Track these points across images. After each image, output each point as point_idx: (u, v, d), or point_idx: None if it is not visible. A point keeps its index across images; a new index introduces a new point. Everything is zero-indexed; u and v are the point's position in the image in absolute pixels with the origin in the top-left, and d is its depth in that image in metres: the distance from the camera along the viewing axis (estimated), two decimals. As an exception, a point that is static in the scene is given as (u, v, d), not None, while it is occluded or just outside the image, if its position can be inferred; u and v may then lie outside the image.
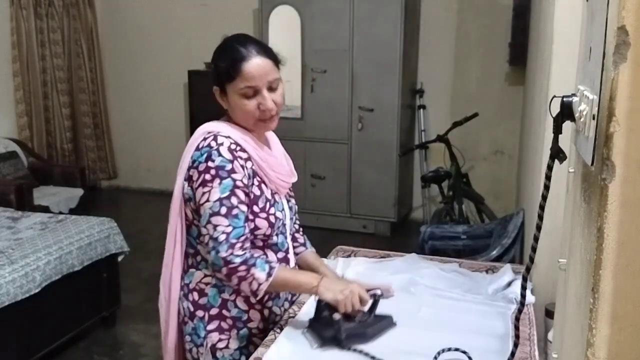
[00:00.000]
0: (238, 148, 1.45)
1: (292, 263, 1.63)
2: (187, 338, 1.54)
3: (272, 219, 1.50)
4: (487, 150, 5.11)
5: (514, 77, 4.84)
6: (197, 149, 1.45)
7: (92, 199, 5.34)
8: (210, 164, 1.41)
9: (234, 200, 1.41)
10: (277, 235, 1.55)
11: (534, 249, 1.05)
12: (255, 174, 1.48)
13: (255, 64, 1.45)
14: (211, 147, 1.42)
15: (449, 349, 1.35)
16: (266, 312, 1.55)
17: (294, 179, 1.63)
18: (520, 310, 1.11)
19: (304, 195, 5.09)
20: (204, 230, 1.42)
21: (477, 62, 5.02)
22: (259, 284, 1.40)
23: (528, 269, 1.07)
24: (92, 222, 3.26)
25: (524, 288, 1.09)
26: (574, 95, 0.94)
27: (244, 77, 1.44)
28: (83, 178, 5.00)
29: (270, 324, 1.56)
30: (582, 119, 0.86)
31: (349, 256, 2.06)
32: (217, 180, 1.40)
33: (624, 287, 0.72)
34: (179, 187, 1.49)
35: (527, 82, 4.28)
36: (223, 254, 1.39)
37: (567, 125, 0.98)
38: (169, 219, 1.53)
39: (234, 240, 1.39)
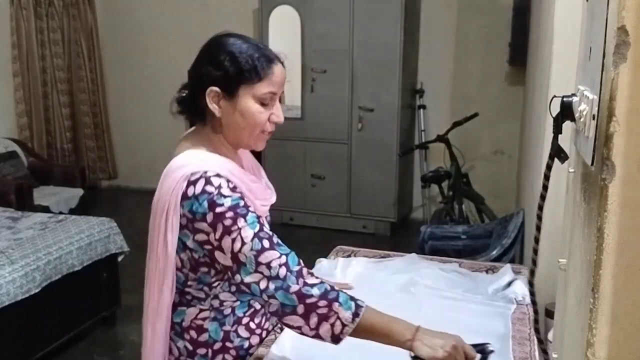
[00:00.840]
0: (233, 185, 1.27)
1: None
2: None
3: None
4: (487, 150, 5.11)
5: (514, 77, 4.84)
6: (187, 197, 1.23)
7: (92, 199, 5.34)
8: (219, 209, 1.21)
9: (267, 230, 1.25)
10: None
11: (535, 251, 1.05)
12: None
13: (282, 69, 1.30)
14: (210, 194, 1.22)
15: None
16: (264, 334, 1.48)
17: (274, 198, 1.45)
18: (536, 320, 1.09)
19: (304, 195, 5.09)
20: (255, 277, 1.20)
21: (477, 62, 5.02)
22: (344, 326, 1.17)
23: (532, 273, 1.06)
24: (92, 222, 3.26)
25: (532, 294, 1.08)
26: (574, 95, 0.94)
27: (272, 80, 1.28)
28: (83, 178, 5.00)
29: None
30: (582, 119, 0.86)
31: (349, 256, 2.06)
32: (241, 220, 1.21)
33: (624, 287, 0.72)
34: (173, 244, 1.28)
35: (527, 82, 4.29)
36: (295, 287, 1.18)
37: (567, 125, 0.98)
38: (155, 278, 1.35)
39: (296, 268, 1.21)
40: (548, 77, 2.17)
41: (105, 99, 6.17)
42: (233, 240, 1.21)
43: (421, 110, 5.17)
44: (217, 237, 1.22)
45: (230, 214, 1.21)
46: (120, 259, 3.38)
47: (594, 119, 0.80)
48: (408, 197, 5.29)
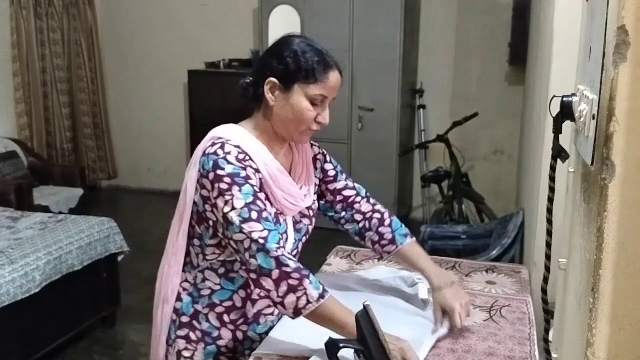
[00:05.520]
0: (247, 157, 1.35)
1: None
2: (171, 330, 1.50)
3: None
4: (487, 150, 5.11)
5: (514, 77, 4.84)
6: (205, 154, 1.35)
7: (92, 199, 5.34)
8: (220, 172, 1.30)
9: (260, 204, 1.30)
10: None
11: (548, 257, 1.05)
12: (262, 188, 1.37)
13: (338, 76, 1.42)
14: (218, 156, 1.32)
15: None
16: (239, 334, 1.47)
17: (306, 203, 1.50)
18: (547, 330, 1.10)
19: (304, 195, 5.09)
20: (237, 237, 1.28)
21: (477, 62, 5.02)
22: (308, 302, 1.24)
23: (546, 280, 1.06)
24: (92, 222, 3.26)
25: (545, 302, 1.08)
26: (574, 95, 0.94)
27: (326, 84, 1.39)
28: (83, 178, 5.00)
29: (241, 347, 1.48)
30: (582, 119, 0.86)
31: (349, 256, 2.06)
32: (236, 188, 1.29)
33: (624, 287, 0.72)
34: (191, 193, 1.37)
35: (527, 82, 4.29)
36: (274, 253, 1.25)
37: (567, 125, 0.98)
38: (177, 221, 1.43)
39: (275, 245, 1.27)
40: (548, 77, 2.17)
41: (105, 99, 6.17)
42: (225, 203, 1.29)
43: (421, 110, 5.17)
44: (214, 195, 1.31)
45: (228, 179, 1.30)
46: (120, 259, 3.38)
47: (594, 119, 0.80)
48: (408, 197, 5.29)
